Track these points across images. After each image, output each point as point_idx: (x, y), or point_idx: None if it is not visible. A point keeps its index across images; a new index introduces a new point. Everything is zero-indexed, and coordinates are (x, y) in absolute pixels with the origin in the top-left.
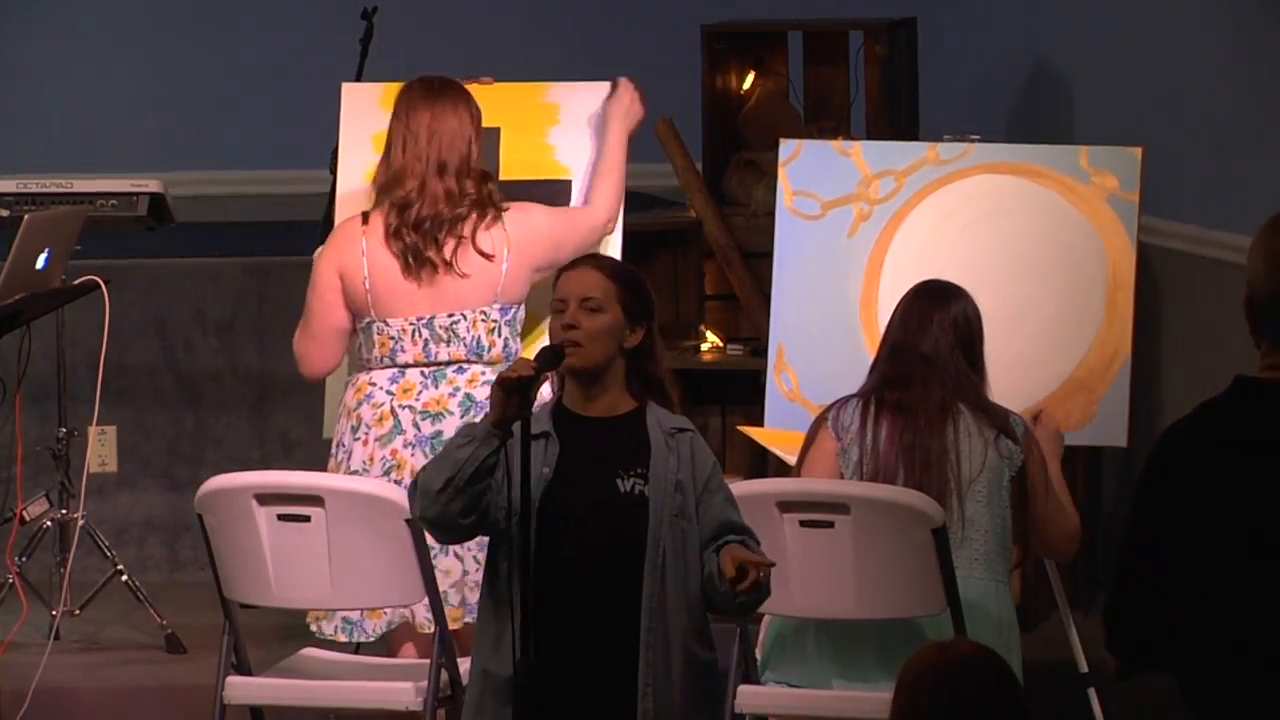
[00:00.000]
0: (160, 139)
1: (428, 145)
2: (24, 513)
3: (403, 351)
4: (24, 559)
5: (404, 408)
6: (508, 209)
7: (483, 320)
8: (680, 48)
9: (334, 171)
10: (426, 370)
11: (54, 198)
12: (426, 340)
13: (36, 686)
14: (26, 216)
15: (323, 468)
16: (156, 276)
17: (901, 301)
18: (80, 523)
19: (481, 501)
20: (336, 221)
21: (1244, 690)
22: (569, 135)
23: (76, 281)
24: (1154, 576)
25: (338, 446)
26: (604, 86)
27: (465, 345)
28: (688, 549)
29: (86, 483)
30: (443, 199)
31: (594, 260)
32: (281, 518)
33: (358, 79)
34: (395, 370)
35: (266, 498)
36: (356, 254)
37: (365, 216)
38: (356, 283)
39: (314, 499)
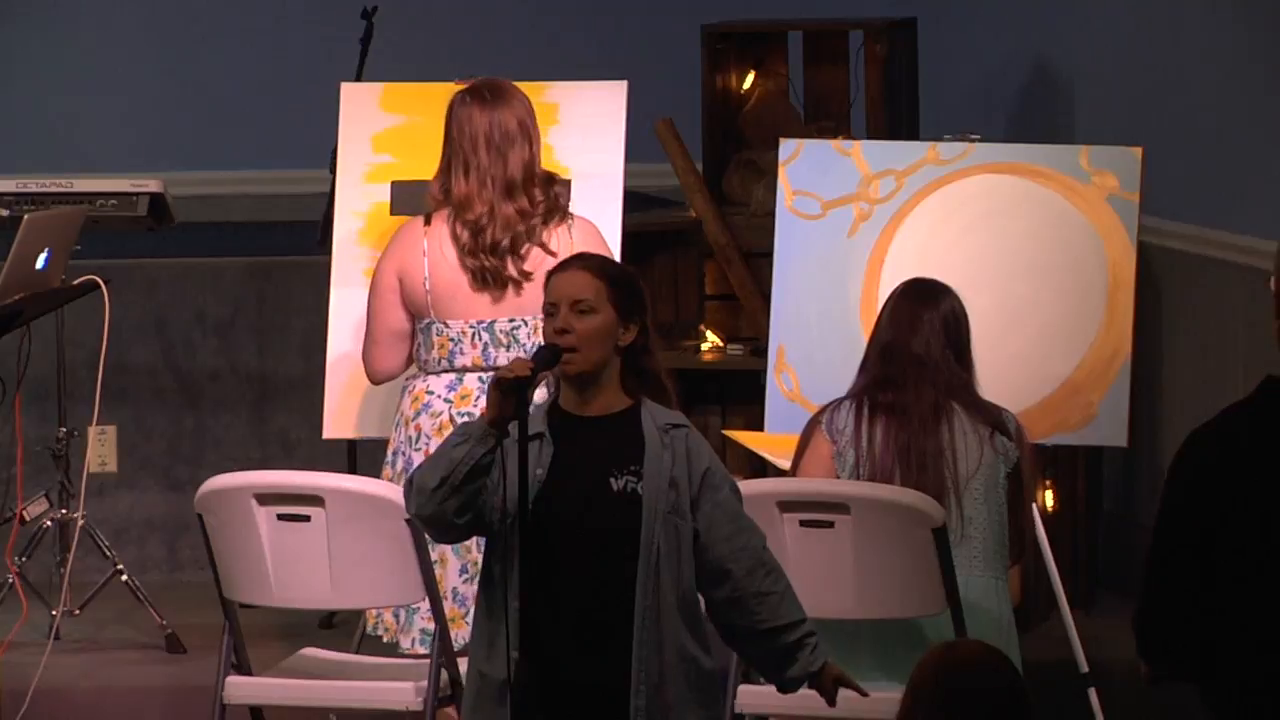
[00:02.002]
0: (160, 139)
1: (491, 167)
2: (24, 513)
3: (461, 354)
4: (24, 559)
5: (462, 415)
6: (574, 219)
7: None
8: (680, 48)
9: (334, 171)
10: (484, 376)
11: (54, 198)
12: (486, 344)
13: (36, 686)
14: (26, 216)
15: (323, 467)
16: (156, 276)
17: (889, 301)
18: (80, 523)
19: (477, 501)
20: (335, 221)
21: (1268, 697)
22: (569, 135)
23: (76, 281)
24: (1182, 582)
25: (394, 455)
26: (604, 86)
27: (525, 350)
28: (681, 546)
29: (86, 483)
30: (516, 220)
31: (583, 260)
32: (281, 518)
33: (358, 79)
34: (453, 376)
35: (266, 498)
36: (417, 256)
37: (427, 218)
38: (417, 284)
39: (314, 499)
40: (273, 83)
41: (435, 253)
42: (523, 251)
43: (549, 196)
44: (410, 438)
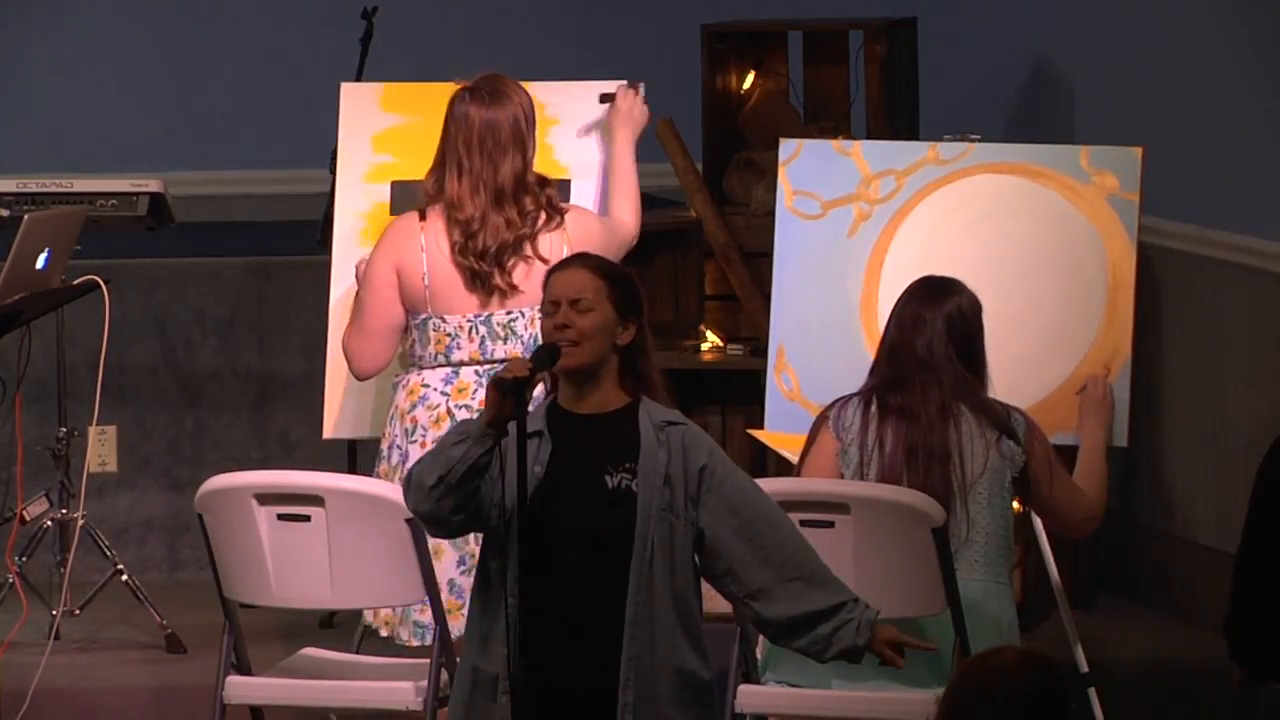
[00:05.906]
0: (160, 139)
1: (483, 171)
2: (24, 513)
3: (458, 349)
4: (24, 559)
5: (460, 408)
6: (567, 209)
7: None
8: (680, 48)
9: (334, 171)
10: (481, 369)
11: (54, 198)
12: (484, 337)
13: (36, 686)
14: (26, 216)
15: (323, 467)
16: (156, 276)
17: (898, 301)
18: (80, 523)
19: (474, 500)
20: (335, 221)
21: None
22: (568, 135)
23: (76, 281)
24: (1271, 584)
25: (390, 449)
26: (603, 86)
27: (522, 343)
28: (676, 545)
29: (86, 483)
30: (504, 228)
31: (582, 259)
32: (281, 517)
33: (358, 79)
34: (449, 370)
35: (266, 498)
36: (415, 250)
37: (422, 213)
38: (415, 279)
39: (314, 499)
40: (273, 83)
41: (433, 248)
42: (509, 265)
43: (540, 203)
44: (406, 430)
